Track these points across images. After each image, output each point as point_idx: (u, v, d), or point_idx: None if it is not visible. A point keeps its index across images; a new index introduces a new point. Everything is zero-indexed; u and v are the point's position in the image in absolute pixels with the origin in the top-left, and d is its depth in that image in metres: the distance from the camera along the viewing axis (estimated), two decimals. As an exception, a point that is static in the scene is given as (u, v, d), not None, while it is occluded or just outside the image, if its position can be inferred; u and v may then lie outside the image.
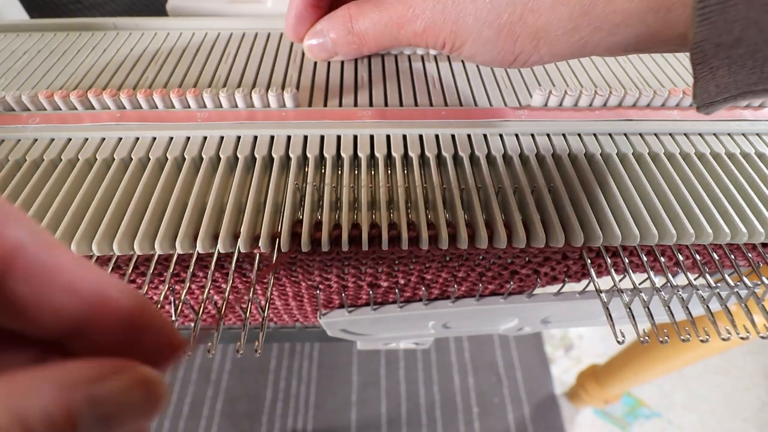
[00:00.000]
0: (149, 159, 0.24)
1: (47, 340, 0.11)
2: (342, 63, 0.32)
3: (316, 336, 0.49)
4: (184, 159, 0.24)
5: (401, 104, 0.28)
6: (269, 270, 0.18)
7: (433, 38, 0.23)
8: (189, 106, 0.27)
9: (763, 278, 0.23)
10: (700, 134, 0.27)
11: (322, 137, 0.26)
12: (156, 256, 0.24)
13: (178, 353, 0.12)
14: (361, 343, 0.41)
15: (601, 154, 0.25)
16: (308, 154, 0.25)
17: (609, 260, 0.25)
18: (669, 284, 0.24)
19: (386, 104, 0.28)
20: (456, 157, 0.25)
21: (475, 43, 0.22)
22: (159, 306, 0.23)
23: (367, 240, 0.21)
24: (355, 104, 0.28)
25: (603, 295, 0.25)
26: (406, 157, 0.25)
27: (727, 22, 0.16)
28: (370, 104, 0.28)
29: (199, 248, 0.21)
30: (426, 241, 0.21)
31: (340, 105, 0.28)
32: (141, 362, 0.10)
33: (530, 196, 0.23)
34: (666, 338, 0.25)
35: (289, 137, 0.26)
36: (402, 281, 0.30)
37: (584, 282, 0.30)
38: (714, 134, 0.27)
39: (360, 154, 0.25)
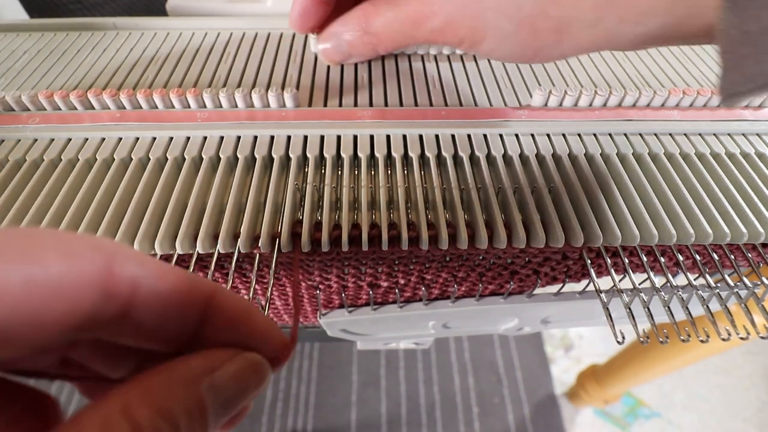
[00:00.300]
0: (149, 159, 0.24)
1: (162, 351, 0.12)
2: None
3: (316, 336, 0.49)
4: (184, 159, 0.24)
5: (401, 104, 0.28)
6: (294, 270, 0.19)
7: (451, 35, 0.23)
8: (189, 106, 0.27)
9: (763, 278, 0.23)
10: (700, 134, 0.27)
11: (322, 137, 0.26)
12: (157, 257, 0.24)
13: (282, 352, 0.13)
14: (361, 343, 0.41)
15: (601, 155, 0.25)
16: (308, 154, 0.25)
17: (609, 260, 0.25)
18: (669, 284, 0.24)
19: (386, 104, 0.28)
20: (456, 157, 0.25)
21: (494, 38, 0.22)
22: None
23: (367, 240, 0.21)
24: (355, 104, 0.28)
25: (603, 295, 0.25)
26: (406, 157, 0.25)
27: (756, 9, 0.15)
28: (370, 104, 0.28)
29: (199, 248, 0.21)
30: (426, 241, 0.21)
31: (340, 105, 0.28)
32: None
33: (530, 196, 0.23)
34: (666, 338, 0.25)
35: (289, 137, 0.26)
36: (402, 281, 0.30)
37: (584, 282, 0.30)
38: (714, 134, 0.27)
39: (360, 154, 0.25)
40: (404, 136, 0.26)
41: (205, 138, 0.25)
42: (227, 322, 0.12)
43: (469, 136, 0.26)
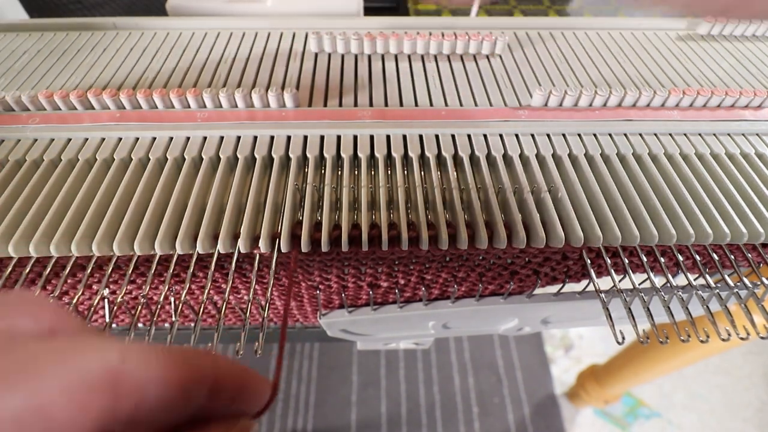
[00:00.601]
0: (149, 159, 0.24)
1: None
2: (342, 63, 0.32)
3: (316, 336, 0.49)
4: (184, 159, 0.24)
5: (401, 104, 0.28)
6: (290, 271, 0.19)
7: None
8: (189, 106, 0.27)
9: (763, 279, 0.23)
10: (700, 134, 0.27)
11: (322, 137, 0.26)
12: (156, 257, 0.24)
13: (267, 405, 0.14)
14: (361, 343, 0.41)
15: (601, 155, 0.25)
16: (308, 155, 0.25)
17: (609, 261, 0.25)
18: (669, 285, 0.24)
19: (386, 104, 0.28)
20: (456, 158, 0.25)
21: None
22: (159, 306, 0.23)
23: (367, 240, 0.21)
24: (355, 104, 0.28)
25: (603, 295, 0.25)
26: (406, 157, 0.25)
27: None
28: (370, 104, 0.28)
29: (199, 249, 0.21)
30: (426, 241, 0.21)
31: (340, 105, 0.28)
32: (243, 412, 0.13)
33: (530, 196, 0.23)
34: (666, 339, 0.25)
35: (289, 137, 0.26)
36: (402, 281, 0.30)
37: (584, 282, 0.30)
38: (714, 134, 0.27)
39: (360, 155, 0.25)
40: (404, 136, 0.26)
41: (205, 138, 0.25)
42: (226, 400, 0.13)
43: (469, 136, 0.26)
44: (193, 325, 0.23)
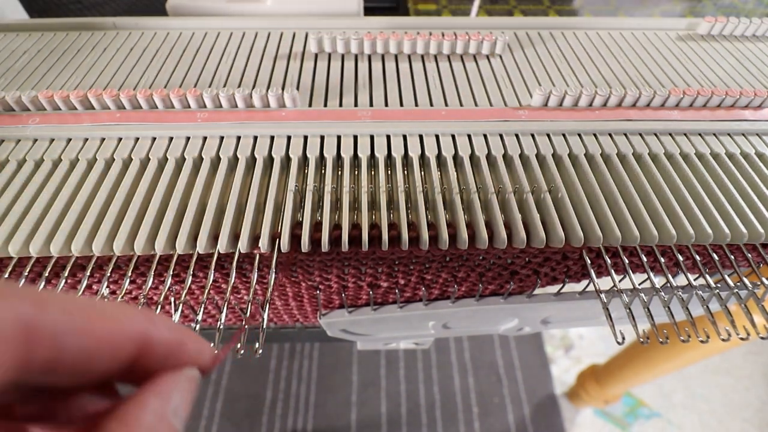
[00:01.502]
0: (149, 159, 0.24)
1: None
2: (342, 63, 0.32)
3: (316, 336, 0.49)
4: (185, 159, 0.24)
5: (401, 104, 0.28)
6: (285, 270, 0.19)
7: None
8: (189, 106, 0.27)
9: (763, 279, 0.23)
10: (700, 134, 0.27)
11: (323, 137, 0.26)
12: (157, 257, 0.24)
13: (213, 363, 0.14)
14: (361, 343, 0.41)
15: (601, 155, 0.25)
16: (308, 155, 0.25)
17: (609, 261, 0.25)
18: (669, 285, 0.24)
19: (386, 104, 0.28)
20: (456, 158, 0.25)
21: None
22: (159, 306, 0.23)
23: (367, 240, 0.21)
24: (356, 104, 0.28)
25: (603, 295, 0.25)
26: (406, 157, 0.25)
27: None
28: (371, 104, 0.28)
29: (200, 249, 0.21)
30: (426, 241, 0.21)
31: (340, 105, 0.28)
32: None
33: (530, 196, 0.23)
34: (666, 339, 0.25)
35: (289, 137, 0.26)
36: (402, 281, 0.30)
37: (584, 282, 0.30)
38: (714, 134, 0.27)
39: (360, 155, 0.25)
40: (404, 137, 0.26)
41: (205, 138, 0.25)
42: (162, 357, 0.13)
43: (469, 136, 0.26)
44: (193, 325, 0.23)
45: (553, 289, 0.31)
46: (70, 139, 0.25)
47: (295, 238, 0.21)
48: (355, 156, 0.25)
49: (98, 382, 0.12)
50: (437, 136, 0.26)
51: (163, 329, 0.13)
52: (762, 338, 0.25)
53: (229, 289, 0.23)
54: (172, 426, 0.12)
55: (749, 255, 0.25)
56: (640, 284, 0.25)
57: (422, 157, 0.25)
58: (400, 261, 0.27)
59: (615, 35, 0.35)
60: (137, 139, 0.25)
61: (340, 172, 0.24)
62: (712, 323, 0.23)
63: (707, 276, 0.24)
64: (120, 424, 0.11)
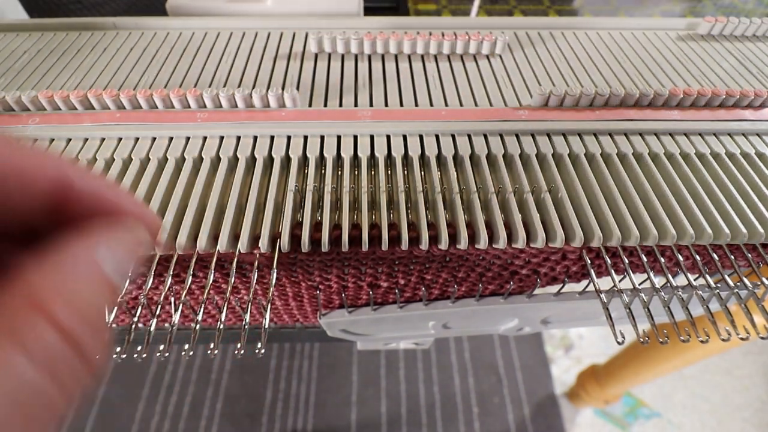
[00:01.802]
0: (149, 159, 0.24)
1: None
2: (342, 63, 0.32)
3: (316, 336, 0.49)
4: (185, 159, 0.24)
5: (401, 104, 0.28)
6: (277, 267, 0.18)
7: None
8: (189, 106, 0.27)
9: (763, 279, 0.23)
10: (700, 134, 0.27)
11: (323, 137, 0.26)
12: (156, 257, 0.24)
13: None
14: (361, 343, 0.41)
15: (601, 154, 0.25)
16: (308, 155, 0.25)
17: (609, 260, 0.25)
18: (669, 285, 0.24)
19: (386, 104, 0.28)
20: (456, 158, 0.25)
21: None
22: (159, 306, 0.23)
23: (367, 240, 0.21)
24: (356, 104, 0.28)
25: (603, 295, 0.25)
26: (406, 157, 0.25)
27: None
28: (371, 104, 0.28)
29: (200, 248, 0.21)
30: (426, 241, 0.21)
31: (341, 105, 0.28)
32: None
33: (530, 196, 0.23)
34: (666, 339, 0.25)
35: (289, 137, 0.26)
36: (402, 281, 0.30)
37: (584, 282, 0.30)
38: (714, 134, 0.27)
39: (360, 155, 0.25)
40: (404, 136, 0.26)
41: (205, 138, 0.25)
42: (89, 208, 0.12)
43: (469, 135, 0.26)
44: (193, 325, 0.23)
45: (553, 289, 0.31)
46: (70, 139, 0.25)
47: (295, 238, 0.21)
48: (355, 156, 0.25)
49: (18, 230, 0.11)
50: (437, 136, 0.26)
51: (87, 176, 0.12)
52: (762, 338, 0.25)
53: (229, 289, 0.23)
54: (103, 276, 0.10)
55: (749, 255, 0.25)
56: (640, 284, 0.25)
57: (422, 156, 0.25)
58: (400, 261, 0.27)
59: (615, 35, 0.35)
60: (137, 139, 0.25)
61: (340, 172, 0.24)
62: (712, 323, 0.23)
63: (707, 276, 0.24)
64: (38, 269, 0.09)
